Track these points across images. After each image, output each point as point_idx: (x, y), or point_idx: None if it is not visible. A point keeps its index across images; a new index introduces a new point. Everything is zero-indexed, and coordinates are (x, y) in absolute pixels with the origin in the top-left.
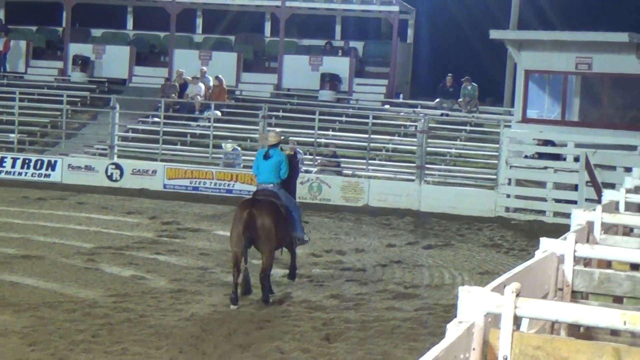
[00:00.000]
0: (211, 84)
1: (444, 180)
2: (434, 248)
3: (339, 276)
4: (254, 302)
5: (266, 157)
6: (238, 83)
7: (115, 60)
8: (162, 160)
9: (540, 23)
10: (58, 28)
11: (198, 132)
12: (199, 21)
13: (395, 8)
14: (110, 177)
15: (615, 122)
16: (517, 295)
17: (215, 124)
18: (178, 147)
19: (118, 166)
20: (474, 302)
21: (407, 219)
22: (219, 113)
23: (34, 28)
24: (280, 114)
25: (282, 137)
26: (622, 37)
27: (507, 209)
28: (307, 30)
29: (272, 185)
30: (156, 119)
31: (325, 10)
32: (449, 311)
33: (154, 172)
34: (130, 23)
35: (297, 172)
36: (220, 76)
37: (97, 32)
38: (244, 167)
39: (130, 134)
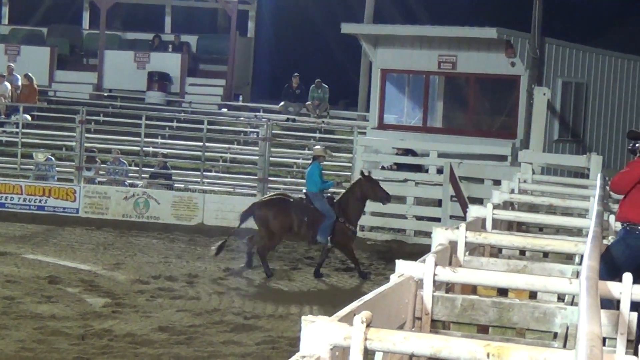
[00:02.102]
0: (20, 83)
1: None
2: (278, 273)
3: (168, 306)
4: (70, 336)
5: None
6: (51, 82)
7: None
8: None
9: (400, 17)
10: None
11: (4, 139)
12: (5, 10)
13: None
14: None
15: (483, 129)
16: (368, 326)
17: (24, 130)
18: None
19: None
20: (319, 334)
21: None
22: (28, 117)
23: None
24: (101, 118)
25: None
26: (490, 32)
27: (362, 228)
28: (132, 22)
29: (311, 192)
30: None
31: (153, 0)
32: (295, 345)
33: None
34: None
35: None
36: (30, 74)
37: None
38: (59, 179)
39: None
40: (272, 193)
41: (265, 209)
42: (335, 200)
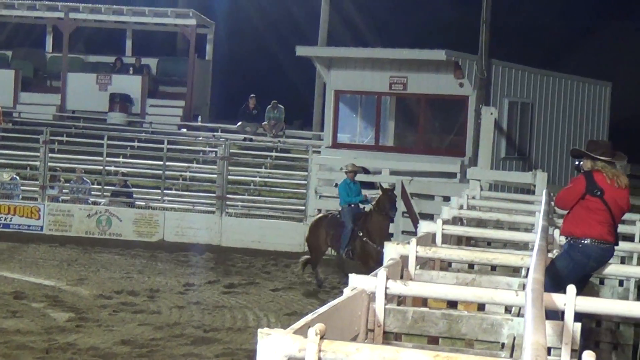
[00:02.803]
0: None
1: (247, 212)
2: (236, 287)
3: (130, 319)
4: (35, 350)
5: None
6: (16, 104)
7: None
8: None
9: (352, 40)
10: None
11: None
12: None
13: (192, 21)
14: None
15: (433, 147)
16: (322, 338)
17: None
18: None
19: None
20: (274, 347)
21: (207, 255)
22: None
23: None
24: (64, 138)
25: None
26: (439, 55)
27: None
28: (93, 45)
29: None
30: None
31: (114, 24)
32: (253, 357)
33: None
34: None
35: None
36: None
37: None
38: (23, 198)
39: None
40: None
41: (307, 227)
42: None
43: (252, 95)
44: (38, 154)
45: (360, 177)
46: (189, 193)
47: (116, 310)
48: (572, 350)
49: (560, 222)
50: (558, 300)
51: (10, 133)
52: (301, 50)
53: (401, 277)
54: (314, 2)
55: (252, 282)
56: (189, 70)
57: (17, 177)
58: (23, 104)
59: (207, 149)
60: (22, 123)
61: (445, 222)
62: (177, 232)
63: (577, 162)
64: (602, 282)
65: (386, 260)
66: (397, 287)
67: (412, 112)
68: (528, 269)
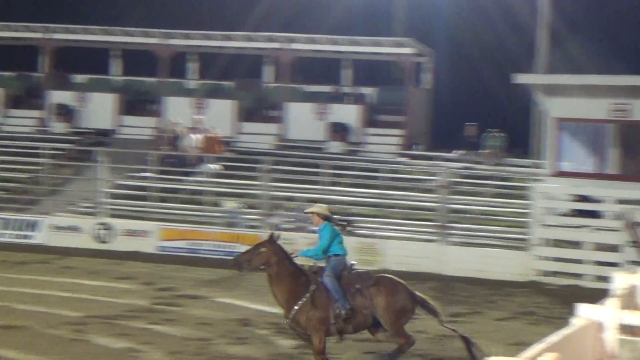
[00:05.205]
0: (206, 134)
1: (469, 241)
2: (460, 316)
3: (356, 348)
4: None
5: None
6: (236, 133)
7: (100, 109)
8: (155, 220)
9: (568, 68)
10: (37, 74)
11: (194, 188)
12: (192, 65)
13: (410, 50)
14: (97, 238)
15: None
16: None
17: (212, 179)
18: (172, 204)
19: (106, 226)
20: None
21: (429, 284)
22: (216, 167)
23: (11, 74)
24: (285, 167)
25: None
26: None
27: (541, 273)
28: (311, 75)
29: None
30: (147, 174)
31: (332, 53)
32: None
33: (147, 232)
34: (116, 68)
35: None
36: (214, 126)
37: (79, 78)
38: (246, 227)
39: (118, 191)
40: None
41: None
42: None
43: (472, 123)
44: (259, 182)
45: (584, 205)
46: (410, 222)
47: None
48: None
49: None
50: None
51: (233, 162)
52: (520, 78)
53: (631, 307)
54: (529, 30)
55: (475, 311)
56: (407, 98)
57: (241, 206)
58: (244, 133)
59: (427, 177)
60: (243, 152)
61: None
62: (398, 260)
63: None
64: None
65: (616, 290)
66: (632, 318)
67: (637, 139)
68: None
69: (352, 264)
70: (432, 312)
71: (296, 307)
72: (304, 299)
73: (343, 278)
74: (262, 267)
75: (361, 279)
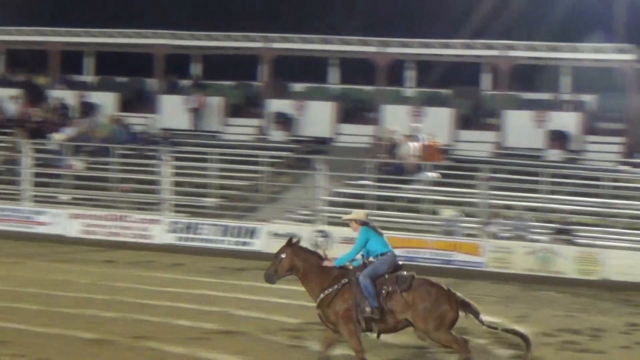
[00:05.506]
0: (424, 142)
1: None
2: None
3: (576, 359)
4: None
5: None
6: (454, 141)
7: (318, 117)
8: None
9: None
10: (256, 83)
11: (411, 196)
12: (410, 74)
13: (631, 57)
14: (315, 246)
15: None
16: None
17: (430, 188)
18: (389, 212)
19: (324, 233)
20: None
21: None
22: (434, 175)
23: (231, 83)
24: (503, 175)
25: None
26: None
27: None
28: (530, 82)
29: None
30: (365, 182)
31: (551, 60)
32: None
33: None
34: (333, 76)
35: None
36: (432, 134)
37: (297, 87)
38: (464, 235)
39: (336, 199)
40: None
41: None
42: None
43: None
44: (477, 191)
45: None
46: (633, 231)
47: (559, 349)
48: None
49: None
50: None
51: (450, 170)
52: None
53: None
54: None
55: None
56: (629, 106)
57: (459, 214)
58: (461, 141)
59: None
60: (461, 160)
61: None
62: (620, 270)
63: None
64: None
65: None
66: None
67: None
68: None
69: (400, 265)
70: (474, 312)
71: (322, 295)
72: (330, 289)
73: (379, 279)
74: (289, 272)
75: (396, 282)
